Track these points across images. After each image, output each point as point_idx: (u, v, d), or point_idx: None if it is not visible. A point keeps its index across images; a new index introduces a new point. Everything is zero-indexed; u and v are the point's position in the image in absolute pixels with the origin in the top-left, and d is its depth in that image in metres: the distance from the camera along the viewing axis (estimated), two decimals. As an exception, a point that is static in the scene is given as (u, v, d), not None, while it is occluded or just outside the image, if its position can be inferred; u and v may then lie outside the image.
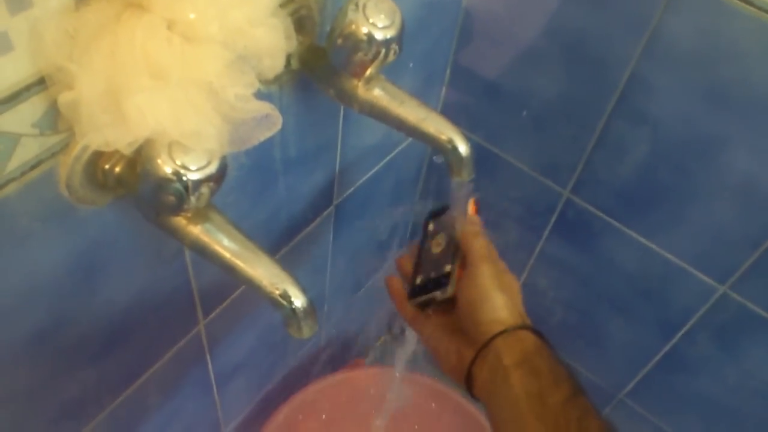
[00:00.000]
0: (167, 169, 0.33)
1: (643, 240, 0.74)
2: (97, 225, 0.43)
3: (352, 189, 0.75)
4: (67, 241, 0.41)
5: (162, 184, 0.34)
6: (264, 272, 0.37)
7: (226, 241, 0.37)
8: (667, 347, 0.82)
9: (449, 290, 0.54)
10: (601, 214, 0.76)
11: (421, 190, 0.93)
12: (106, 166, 0.39)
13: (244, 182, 0.55)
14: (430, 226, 0.58)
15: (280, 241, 0.67)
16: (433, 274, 0.55)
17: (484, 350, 0.47)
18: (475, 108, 0.79)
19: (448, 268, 0.54)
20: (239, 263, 0.37)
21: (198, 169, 0.34)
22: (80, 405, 0.53)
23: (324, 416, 0.91)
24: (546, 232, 0.84)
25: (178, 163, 0.33)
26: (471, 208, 0.58)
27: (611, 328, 0.87)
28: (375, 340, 1.23)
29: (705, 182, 0.66)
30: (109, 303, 0.48)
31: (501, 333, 0.48)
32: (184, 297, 0.57)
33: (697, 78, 0.61)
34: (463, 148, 0.44)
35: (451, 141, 0.44)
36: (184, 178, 0.34)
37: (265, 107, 0.33)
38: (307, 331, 0.37)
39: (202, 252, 0.38)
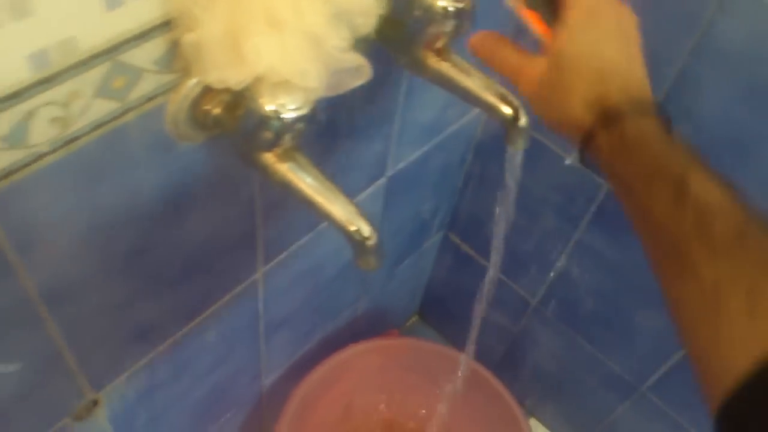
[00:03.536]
0: (269, 107, 0.39)
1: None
2: (191, 160, 0.48)
3: (404, 164, 0.80)
4: (165, 171, 0.47)
5: (263, 120, 0.39)
6: (341, 209, 0.42)
7: (309, 179, 0.43)
8: (693, 341, 0.85)
9: None
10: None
11: (466, 175, 0.98)
12: (207, 107, 0.44)
13: (312, 141, 0.60)
14: None
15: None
16: None
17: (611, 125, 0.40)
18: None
19: None
20: (320, 199, 0.42)
21: (295, 109, 0.39)
22: (152, 329, 0.59)
23: (354, 379, 0.96)
24: (584, 222, 0.88)
25: (279, 102, 0.38)
26: None
27: (640, 320, 0.90)
28: (406, 319, 1.28)
29: (743, 180, 0.69)
30: (190, 234, 0.54)
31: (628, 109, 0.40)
32: (250, 242, 0.63)
33: (742, 78, 0.64)
34: (522, 120, 0.49)
35: (511, 111, 0.49)
36: (283, 116, 0.39)
37: (358, 59, 0.38)
38: (374, 264, 0.42)
39: (287, 187, 0.43)
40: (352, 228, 0.41)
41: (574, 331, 1.00)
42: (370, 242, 0.41)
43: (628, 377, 0.96)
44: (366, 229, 0.41)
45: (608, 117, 0.40)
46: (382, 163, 0.75)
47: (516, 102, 0.48)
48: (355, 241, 0.41)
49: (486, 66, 0.47)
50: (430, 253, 1.12)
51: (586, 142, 0.41)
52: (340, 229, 0.42)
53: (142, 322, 0.57)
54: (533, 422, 1.20)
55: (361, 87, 0.61)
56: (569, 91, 0.42)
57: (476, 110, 0.85)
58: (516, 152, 0.51)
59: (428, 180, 0.90)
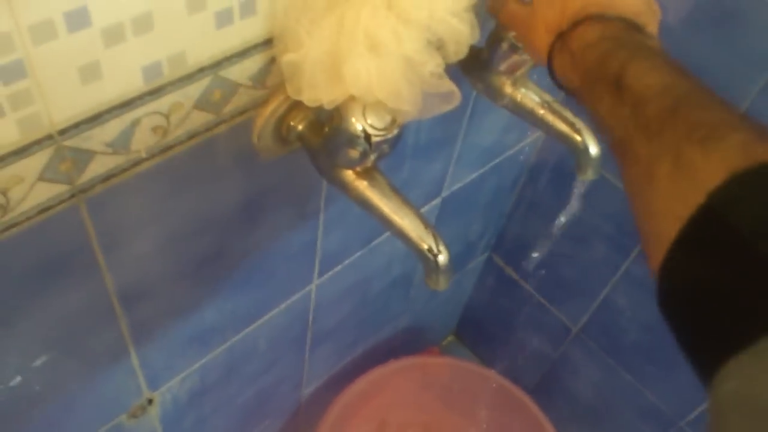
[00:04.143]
0: (359, 127, 0.40)
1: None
2: (268, 173, 0.50)
3: (459, 185, 0.81)
4: (245, 182, 0.49)
5: (352, 139, 0.40)
6: (415, 228, 0.43)
7: (386, 197, 0.44)
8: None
9: None
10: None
11: (516, 199, 0.98)
12: (292, 123, 0.46)
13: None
14: None
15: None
16: None
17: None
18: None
19: None
20: (396, 218, 0.43)
21: (384, 130, 0.40)
22: (211, 333, 0.61)
23: (392, 395, 0.96)
24: (634, 252, 0.88)
25: (369, 122, 0.40)
26: None
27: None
28: (443, 338, 1.28)
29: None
30: (258, 243, 0.55)
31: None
32: (310, 253, 0.64)
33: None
34: (593, 150, 0.49)
35: (584, 141, 0.49)
36: (371, 136, 0.40)
37: (450, 85, 0.39)
38: (443, 284, 0.43)
39: (364, 204, 0.44)
40: (425, 246, 0.42)
41: (614, 360, 0.99)
42: (442, 261, 0.42)
43: (666, 410, 0.95)
44: (438, 248, 0.42)
45: (560, 37, 0.41)
46: (439, 184, 0.76)
47: (587, 132, 0.49)
48: (427, 260, 0.42)
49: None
50: (472, 274, 1.13)
51: (550, 69, 0.42)
52: (412, 246, 0.43)
53: (203, 325, 0.59)
54: (565, 451, 1.19)
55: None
56: (537, 23, 0.42)
57: (533, 136, 0.86)
58: (584, 181, 0.51)
59: (480, 202, 0.91)
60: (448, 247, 0.43)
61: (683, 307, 0.32)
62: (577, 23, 0.40)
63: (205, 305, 0.57)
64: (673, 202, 0.31)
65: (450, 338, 1.30)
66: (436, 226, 0.84)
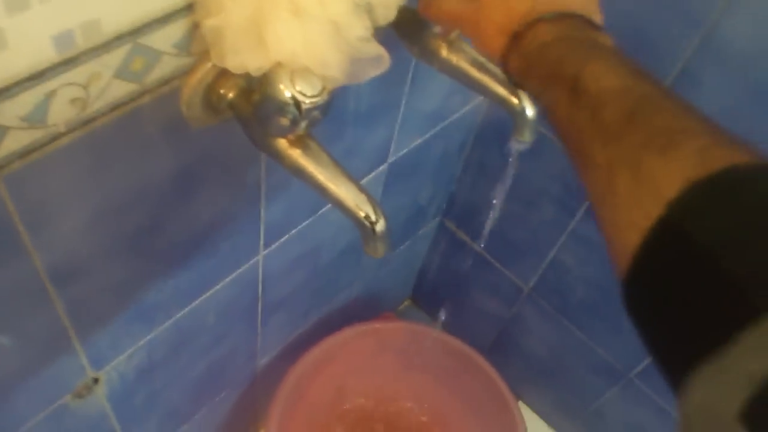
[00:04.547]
0: (287, 94, 0.39)
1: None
2: (202, 143, 0.49)
3: (405, 151, 0.80)
4: (177, 153, 0.47)
5: (281, 106, 0.39)
6: (351, 195, 0.43)
7: (320, 165, 0.43)
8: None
9: None
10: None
11: (465, 162, 0.98)
12: (222, 91, 0.44)
13: (322, 126, 0.60)
14: None
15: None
16: None
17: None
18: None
19: None
20: (331, 185, 0.43)
21: (313, 97, 0.39)
22: (154, 309, 0.60)
23: (348, 361, 0.97)
24: (580, 212, 0.89)
25: (297, 89, 0.39)
26: None
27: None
28: (399, 303, 1.29)
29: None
30: (196, 216, 0.54)
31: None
32: (253, 224, 0.63)
33: (746, 76, 0.65)
34: (530, 111, 0.49)
35: (520, 103, 0.49)
36: (301, 104, 0.39)
37: (379, 49, 0.38)
38: (381, 251, 0.43)
39: (299, 172, 0.43)
40: (362, 214, 0.42)
41: (565, 318, 1.02)
42: (378, 228, 0.42)
43: (616, 364, 0.98)
44: (375, 215, 0.42)
45: (515, 37, 0.40)
46: (385, 150, 0.75)
47: (524, 94, 0.49)
48: (364, 227, 0.42)
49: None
50: (425, 239, 1.13)
51: (506, 70, 0.41)
52: (349, 214, 0.42)
53: (146, 301, 0.58)
54: (521, 407, 1.22)
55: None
56: (486, 24, 0.41)
57: (478, 99, 0.85)
58: (522, 143, 0.52)
59: (427, 167, 0.91)
60: (385, 213, 0.43)
61: (648, 317, 0.32)
62: (530, 24, 0.39)
63: (145, 281, 0.55)
64: (634, 212, 0.31)
65: (406, 303, 1.31)
66: (384, 192, 0.84)
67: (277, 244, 0.70)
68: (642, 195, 0.31)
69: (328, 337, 0.93)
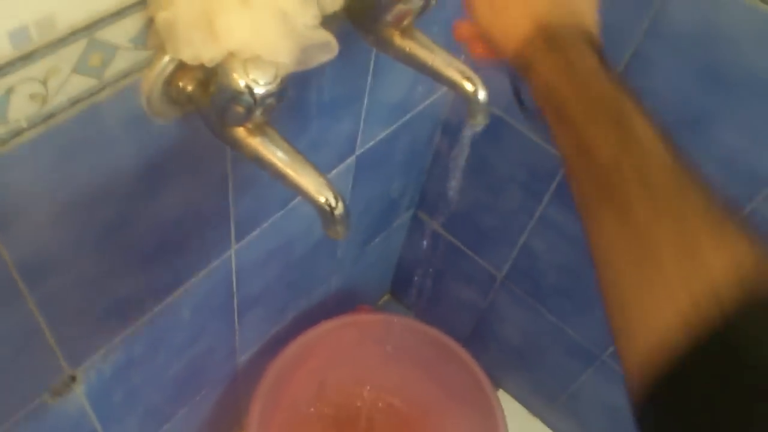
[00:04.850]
0: (241, 83, 0.40)
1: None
2: (166, 137, 0.50)
3: (373, 143, 0.82)
4: (141, 148, 0.48)
5: (235, 95, 0.41)
6: (311, 181, 0.44)
7: (279, 153, 0.44)
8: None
9: None
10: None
11: (434, 154, 1.00)
12: (181, 84, 0.46)
13: (284, 119, 0.62)
14: None
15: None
16: None
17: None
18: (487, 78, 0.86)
19: None
20: (289, 171, 0.44)
21: (266, 84, 0.40)
22: (128, 305, 0.61)
23: (328, 355, 0.98)
24: (547, 197, 0.91)
25: (251, 77, 0.40)
26: None
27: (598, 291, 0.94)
28: (379, 297, 1.31)
29: (695, 155, 0.73)
30: (164, 211, 0.55)
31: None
32: (223, 219, 0.64)
33: (694, 58, 0.68)
34: (482, 95, 0.51)
35: (473, 88, 0.51)
36: (254, 91, 0.40)
37: (326, 35, 0.40)
38: (342, 233, 0.45)
39: (258, 160, 0.45)
40: (320, 198, 0.43)
41: (538, 303, 1.04)
42: (338, 211, 0.43)
43: (589, 346, 1.00)
44: (333, 199, 0.43)
45: (554, 38, 0.39)
46: (351, 142, 0.77)
47: (477, 78, 0.51)
48: (323, 211, 0.43)
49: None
50: (400, 232, 1.15)
51: (526, 65, 0.40)
52: (308, 199, 0.44)
53: (119, 297, 0.59)
54: (500, 394, 1.24)
55: (331, 66, 0.63)
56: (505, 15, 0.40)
57: (443, 90, 0.87)
58: (476, 126, 0.53)
59: (396, 159, 0.92)
60: (343, 197, 0.44)
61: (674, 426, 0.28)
62: (571, 34, 0.38)
63: (117, 277, 0.56)
64: (677, 291, 0.28)
65: (386, 297, 1.33)
66: (355, 185, 0.86)
67: (248, 238, 0.71)
68: (688, 273, 0.28)
69: (307, 332, 0.94)
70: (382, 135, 0.83)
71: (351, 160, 0.80)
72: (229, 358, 0.88)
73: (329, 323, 0.95)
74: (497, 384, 1.25)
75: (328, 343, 0.97)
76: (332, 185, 0.45)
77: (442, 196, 1.06)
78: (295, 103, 0.62)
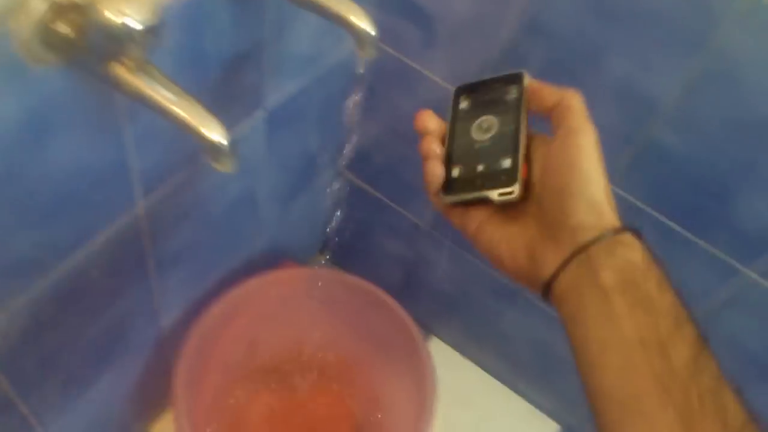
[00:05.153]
0: (116, 19, 0.40)
1: (541, 144, 0.84)
2: (47, 86, 0.48)
3: (284, 97, 0.81)
4: (21, 97, 0.47)
5: (112, 33, 0.40)
6: (194, 114, 0.44)
7: (162, 89, 0.44)
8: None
9: (515, 191, 0.44)
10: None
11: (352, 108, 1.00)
12: (56, 26, 0.44)
13: (184, 71, 0.61)
14: (462, 103, 0.49)
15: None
16: (481, 168, 0.46)
17: (578, 256, 0.38)
18: (397, 28, 0.87)
19: (507, 162, 0.44)
20: (174, 108, 0.44)
21: (141, 20, 0.40)
22: (28, 264, 0.59)
23: (256, 313, 0.99)
24: (460, 143, 0.93)
25: (126, 12, 0.39)
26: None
27: None
28: (310, 258, 1.31)
29: (591, 86, 0.76)
30: (56, 164, 0.54)
31: (599, 237, 0.38)
32: (123, 173, 0.63)
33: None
34: (370, 28, 0.51)
35: (359, 22, 0.51)
36: (130, 27, 0.40)
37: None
38: (230, 166, 0.45)
39: (141, 98, 0.44)
40: (204, 130, 0.43)
41: (462, 248, 1.06)
42: (224, 143, 0.43)
43: (510, 285, 1.04)
44: (219, 131, 0.43)
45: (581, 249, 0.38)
46: (257, 95, 0.76)
47: (361, 12, 0.51)
48: (208, 143, 0.43)
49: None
50: (324, 190, 1.15)
51: (550, 280, 0.40)
52: (192, 133, 0.44)
53: (17, 257, 0.57)
54: (436, 342, 1.28)
55: (226, 13, 0.62)
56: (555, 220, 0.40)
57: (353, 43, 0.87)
58: (366, 60, 0.54)
59: (312, 114, 0.92)
60: (227, 129, 0.44)
61: None
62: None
63: (12, 234, 0.55)
64: None
65: (317, 257, 1.33)
66: (270, 142, 0.85)
67: (156, 194, 0.70)
68: None
69: (231, 291, 0.94)
70: (294, 89, 0.82)
71: (261, 114, 0.79)
72: (150, 321, 0.87)
73: (253, 281, 0.95)
74: (431, 332, 1.28)
75: (254, 301, 0.97)
76: (218, 119, 0.45)
77: (363, 150, 1.07)
78: (191, 53, 0.61)
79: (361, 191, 1.13)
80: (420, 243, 1.12)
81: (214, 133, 0.43)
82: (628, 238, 0.38)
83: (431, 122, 0.51)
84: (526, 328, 1.09)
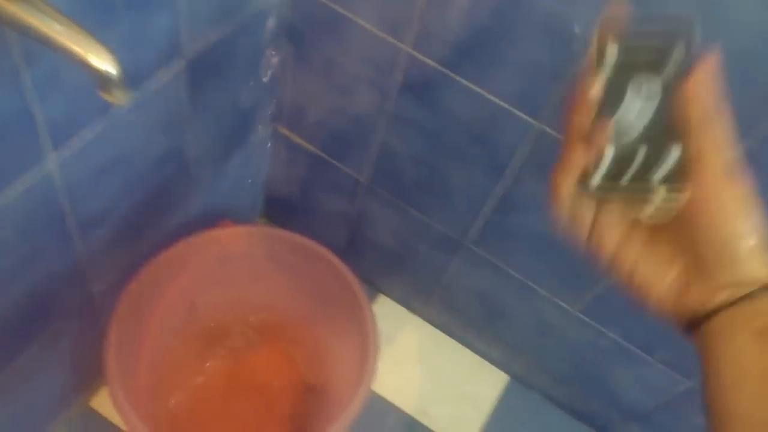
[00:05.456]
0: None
1: (474, 87, 0.83)
2: None
3: (204, 45, 0.78)
4: None
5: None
6: (80, 42, 0.41)
7: (45, 17, 0.41)
8: (501, 191, 0.92)
9: (679, 198, 0.34)
10: (437, 66, 0.84)
11: (281, 61, 0.97)
12: None
13: (88, 12, 0.57)
14: (611, 53, 0.33)
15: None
16: (642, 153, 0.34)
17: (736, 305, 0.37)
18: None
19: (677, 151, 0.33)
20: (58, 36, 0.41)
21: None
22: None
23: (194, 275, 0.96)
24: (395, 92, 0.91)
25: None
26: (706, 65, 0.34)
27: (455, 179, 0.96)
28: (253, 221, 1.28)
29: (517, 23, 0.74)
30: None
31: (763, 289, 0.36)
32: (27, 122, 0.59)
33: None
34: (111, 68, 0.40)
35: (98, 61, 0.41)
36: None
37: None
38: (121, 97, 0.42)
39: (24, 29, 0.41)
40: (91, 59, 0.40)
41: (403, 201, 1.05)
42: (112, 72, 0.41)
43: (453, 235, 1.03)
44: (106, 59, 0.40)
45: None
46: (174, 41, 0.73)
47: (103, 49, 0.41)
48: (96, 73, 0.41)
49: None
50: (262, 148, 1.12)
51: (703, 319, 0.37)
52: (80, 63, 0.41)
53: None
54: (383, 299, 1.27)
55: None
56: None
57: (273, -15, 0.84)
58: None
59: (239, 65, 0.89)
60: (117, 58, 0.42)
61: None
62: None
63: None
64: None
65: (261, 220, 1.31)
66: (193, 93, 0.82)
67: (69, 149, 0.66)
68: None
69: (165, 251, 0.91)
70: (214, 36, 0.79)
71: (180, 63, 0.76)
72: (79, 287, 0.84)
73: (189, 240, 0.93)
74: (379, 290, 1.28)
75: (191, 262, 0.95)
76: (107, 46, 0.42)
77: (297, 105, 1.04)
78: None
79: (299, 148, 1.10)
80: (361, 198, 1.11)
81: (103, 62, 0.41)
82: None
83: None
84: (471, 280, 1.09)
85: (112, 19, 0.62)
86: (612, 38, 0.34)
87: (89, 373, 1.01)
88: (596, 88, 0.35)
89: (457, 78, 0.83)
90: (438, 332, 1.26)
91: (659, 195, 0.34)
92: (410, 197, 1.04)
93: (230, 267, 1.00)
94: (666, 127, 0.33)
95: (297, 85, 1.00)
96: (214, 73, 0.84)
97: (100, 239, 0.82)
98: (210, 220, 1.07)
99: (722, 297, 0.37)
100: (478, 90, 0.82)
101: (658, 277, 0.39)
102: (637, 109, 0.33)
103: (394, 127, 0.96)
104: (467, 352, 1.25)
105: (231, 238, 0.97)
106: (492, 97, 0.82)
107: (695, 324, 0.38)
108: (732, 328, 0.36)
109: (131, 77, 0.69)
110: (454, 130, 0.89)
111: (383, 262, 1.20)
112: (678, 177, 0.33)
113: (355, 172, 1.07)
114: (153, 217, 0.91)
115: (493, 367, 1.24)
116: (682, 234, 0.37)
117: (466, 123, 0.87)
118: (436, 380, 1.21)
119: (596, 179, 0.35)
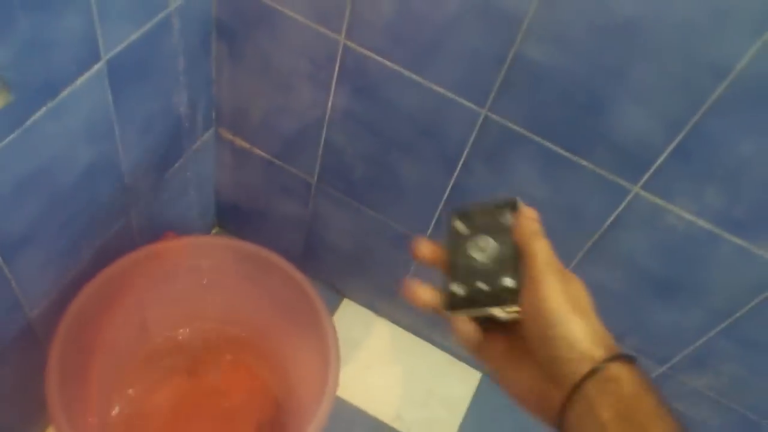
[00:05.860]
0: None
1: (414, 76, 0.80)
2: None
3: (124, 46, 0.74)
4: None
5: None
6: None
7: None
8: (452, 181, 0.89)
9: (514, 310, 0.45)
10: (374, 56, 0.80)
11: (216, 62, 0.93)
12: None
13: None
14: (459, 225, 0.49)
15: (39, 97, 0.65)
16: (484, 287, 0.46)
17: (574, 396, 0.41)
18: None
19: (509, 282, 0.45)
20: None
21: None
22: None
23: (139, 290, 0.91)
24: (333, 85, 0.88)
25: None
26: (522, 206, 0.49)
27: (406, 174, 0.93)
28: (205, 233, 1.24)
29: (454, 8, 0.71)
30: None
31: (589, 374, 0.41)
32: None
33: None
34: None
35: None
36: None
37: None
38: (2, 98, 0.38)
39: None
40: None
41: (355, 201, 1.02)
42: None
43: (410, 233, 1.00)
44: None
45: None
46: (90, 43, 0.68)
47: None
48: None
49: None
50: (207, 155, 1.08)
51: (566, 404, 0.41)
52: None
53: None
54: (348, 304, 1.23)
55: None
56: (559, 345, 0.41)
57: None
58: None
59: (167, 66, 0.85)
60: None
61: None
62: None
63: None
64: None
65: (215, 231, 1.27)
66: (117, 97, 0.77)
67: (-23, 163, 0.62)
68: None
69: (107, 268, 0.86)
70: (135, 36, 0.75)
71: (100, 65, 0.71)
72: (15, 312, 0.79)
73: (130, 257, 0.88)
74: (342, 295, 1.24)
75: (136, 278, 0.90)
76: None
77: (237, 107, 1.00)
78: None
79: (244, 151, 1.06)
80: (314, 201, 1.07)
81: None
82: (616, 370, 0.41)
83: (426, 248, 0.50)
84: (432, 274, 1.05)
85: (9, 20, 0.57)
86: (458, 215, 0.49)
87: (38, 406, 0.96)
88: (430, 251, 0.49)
89: (396, 67, 0.80)
90: (405, 333, 1.23)
91: (501, 313, 0.45)
92: (362, 196, 1.01)
93: (179, 281, 0.95)
94: (501, 267, 0.46)
95: (234, 85, 0.96)
96: (139, 75, 0.79)
97: (29, 260, 0.77)
98: (155, 233, 1.02)
99: (570, 382, 0.41)
100: (419, 79, 0.79)
101: (526, 392, 0.44)
102: (478, 258, 0.47)
103: (338, 123, 0.92)
104: (437, 351, 1.22)
105: (175, 251, 0.93)
106: (434, 86, 0.79)
107: (564, 421, 0.42)
108: (582, 427, 0.40)
109: (43, 82, 0.64)
110: (399, 123, 0.86)
111: (343, 264, 1.16)
112: (512, 300, 0.44)
113: (304, 174, 1.03)
114: (88, 233, 0.86)
115: (464, 365, 1.21)
116: (527, 341, 0.43)
117: (410, 114, 0.84)
118: (408, 383, 1.18)
119: (454, 306, 0.46)
